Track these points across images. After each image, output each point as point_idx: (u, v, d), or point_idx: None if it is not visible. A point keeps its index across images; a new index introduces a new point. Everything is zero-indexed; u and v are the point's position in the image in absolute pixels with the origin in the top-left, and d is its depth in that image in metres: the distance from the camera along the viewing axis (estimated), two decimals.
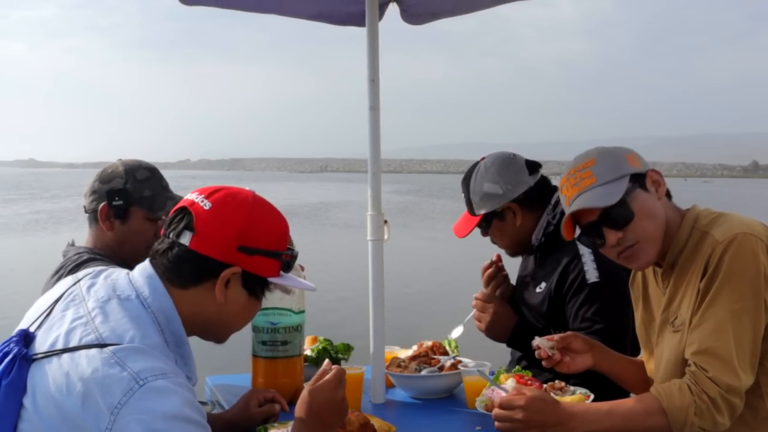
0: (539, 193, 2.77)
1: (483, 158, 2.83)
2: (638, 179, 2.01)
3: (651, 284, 2.19)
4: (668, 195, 2.09)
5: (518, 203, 2.74)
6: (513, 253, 2.90)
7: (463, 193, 2.84)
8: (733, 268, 1.87)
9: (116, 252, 2.48)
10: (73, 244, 2.52)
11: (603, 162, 2.02)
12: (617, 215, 1.98)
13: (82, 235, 2.57)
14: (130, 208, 2.45)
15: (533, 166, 2.79)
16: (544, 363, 2.23)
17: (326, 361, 1.87)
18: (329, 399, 1.74)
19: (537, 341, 2.22)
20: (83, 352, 1.46)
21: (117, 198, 2.43)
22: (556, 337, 2.23)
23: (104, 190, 2.46)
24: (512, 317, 2.74)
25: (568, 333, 2.27)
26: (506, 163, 2.77)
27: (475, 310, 2.78)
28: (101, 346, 1.47)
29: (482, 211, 2.77)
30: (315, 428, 1.73)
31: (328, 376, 1.77)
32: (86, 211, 2.53)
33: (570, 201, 2.03)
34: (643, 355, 2.27)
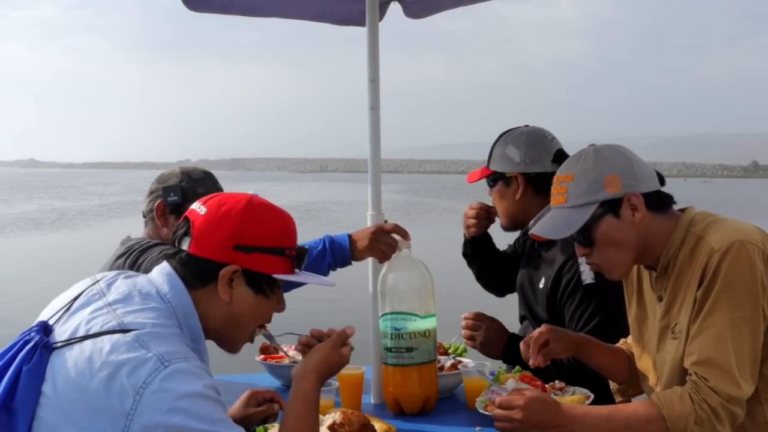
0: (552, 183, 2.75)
1: (527, 126, 2.85)
2: (611, 205, 1.99)
3: (645, 282, 2.19)
4: (665, 200, 2.06)
5: (527, 179, 2.75)
6: (506, 226, 2.90)
7: (492, 145, 2.88)
8: (731, 277, 1.87)
9: None
10: (130, 237, 2.56)
11: (580, 181, 2.01)
12: (579, 238, 2.04)
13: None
14: (184, 204, 2.48)
15: (561, 158, 2.71)
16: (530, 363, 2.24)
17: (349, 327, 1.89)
18: (324, 354, 1.79)
19: (510, 384, 2.24)
20: (106, 337, 1.50)
21: (172, 194, 2.53)
22: (533, 342, 2.22)
23: (161, 189, 2.56)
24: (505, 332, 2.72)
25: (543, 334, 2.23)
26: (539, 138, 2.79)
27: (461, 332, 2.76)
28: (124, 331, 1.50)
29: (494, 169, 2.82)
30: (308, 381, 1.74)
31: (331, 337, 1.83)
32: (144, 215, 2.59)
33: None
34: (633, 351, 2.27)
